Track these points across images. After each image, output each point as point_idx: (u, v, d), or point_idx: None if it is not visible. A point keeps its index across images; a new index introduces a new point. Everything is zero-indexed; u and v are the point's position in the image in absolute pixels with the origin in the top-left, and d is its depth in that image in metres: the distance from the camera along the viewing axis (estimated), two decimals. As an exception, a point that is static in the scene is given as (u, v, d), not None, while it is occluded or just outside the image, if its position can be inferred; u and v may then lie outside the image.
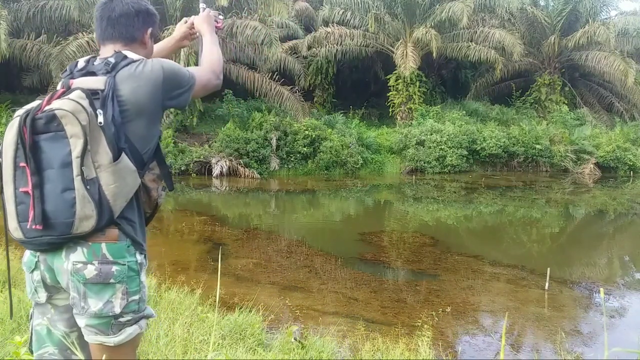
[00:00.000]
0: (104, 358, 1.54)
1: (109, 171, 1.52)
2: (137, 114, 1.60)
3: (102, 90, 1.56)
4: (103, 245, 1.54)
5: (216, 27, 1.96)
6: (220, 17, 2.01)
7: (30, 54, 15.37)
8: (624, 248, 9.09)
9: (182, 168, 14.89)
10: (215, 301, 4.29)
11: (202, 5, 2.00)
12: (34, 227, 1.49)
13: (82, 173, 1.49)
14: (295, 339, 3.32)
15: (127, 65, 1.61)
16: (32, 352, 1.70)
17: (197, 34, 2.00)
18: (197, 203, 12.16)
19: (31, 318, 1.70)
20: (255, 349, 3.44)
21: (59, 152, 1.49)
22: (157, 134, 1.69)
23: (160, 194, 1.72)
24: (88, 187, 1.49)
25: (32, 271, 1.63)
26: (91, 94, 1.55)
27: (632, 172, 18.33)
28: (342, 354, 3.87)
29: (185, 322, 3.54)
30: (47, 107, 1.52)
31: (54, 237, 1.52)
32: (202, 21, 1.96)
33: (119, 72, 1.59)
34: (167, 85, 1.64)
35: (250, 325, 3.73)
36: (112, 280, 1.54)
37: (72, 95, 1.53)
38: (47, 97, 1.56)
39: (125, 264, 1.57)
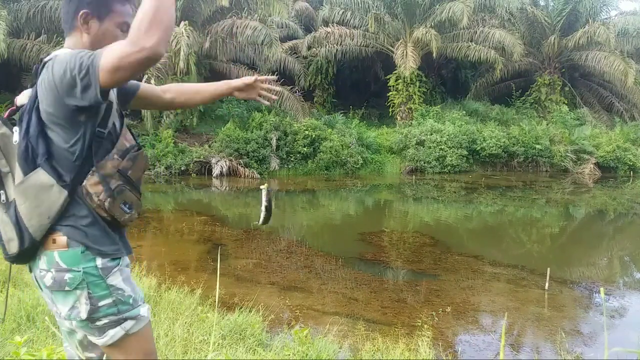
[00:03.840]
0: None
1: (17, 191, 1.53)
2: (52, 123, 1.50)
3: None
4: (55, 253, 1.53)
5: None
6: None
7: (30, 54, 15.37)
8: (624, 248, 9.08)
9: (182, 168, 14.89)
10: (215, 301, 4.29)
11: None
12: None
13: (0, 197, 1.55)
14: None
15: (43, 68, 1.50)
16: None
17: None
18: (197, 203, 12.16)
19: None
20: (255, 349, 3.44)
21: None
22: (80, 138, 1.52)
23: (104, 199, 1.54)
24: (7, 210, 1.54)
25: (31, 272, 1.67)
26: (14, 112, 1.58)
27: (632, 172, 18.34)
28: (342, 354, 3.86)
29: (185, 322, 3.55)
30: None
31: (6, 256, 1.59)
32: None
33: (39, 79, 1.51)
34: (60, 85, 1.44)
35: (250, 325, 3.73)
36: (67, 288, 1.52)
37: None
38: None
39: (79, 271, 1.52)
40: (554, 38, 20.97)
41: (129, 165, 1.60)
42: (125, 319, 1.59)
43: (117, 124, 1.64)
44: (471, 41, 19.59)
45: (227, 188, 14.17)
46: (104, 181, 1.55)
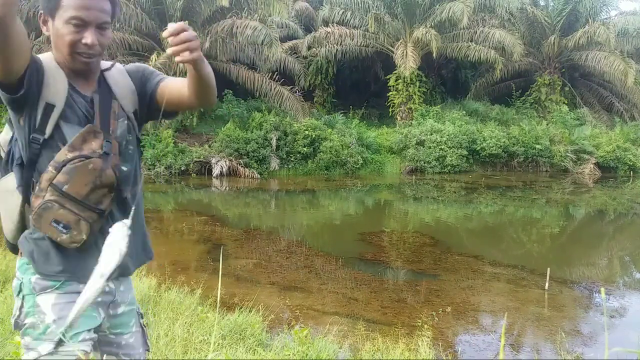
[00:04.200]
0: None
1: None
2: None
3: None
4: (17, 259, 1.57)
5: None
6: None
7: (30, 54, 15.36)
8: (624, 248, 9.08)
9: (182, 168, 14.89)
10: (215, 301, 4.29)
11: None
12: None
13: None
14: None
15: None
16: None
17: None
18: (197, 203, 12.15)
19: None
20: (255, 349, 3.44)
21: None
22: (23, 145, 1.46)
23: (30, 214, 1.45)
24: None
25: None
26: None
27: (632, 172, 18.34)
28: (342, 354, 3.86)
29: (185, 322, 3.54)
30: None
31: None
32: None
33: None
34: None
35: (250, 325, 3.73)
36: (15, 294, 1.54)
37: None
38: None
39: (21, 279, 1.51)
40: (554, 38, 20.96)
41: (63, 179, 1.41)
42: (30, 348, 1.44)
43: (69, 131, 1.45)
44: (471, 41, 19.57)
45: (227, 188, 14.18)
46: (40, 195, 1.43)
